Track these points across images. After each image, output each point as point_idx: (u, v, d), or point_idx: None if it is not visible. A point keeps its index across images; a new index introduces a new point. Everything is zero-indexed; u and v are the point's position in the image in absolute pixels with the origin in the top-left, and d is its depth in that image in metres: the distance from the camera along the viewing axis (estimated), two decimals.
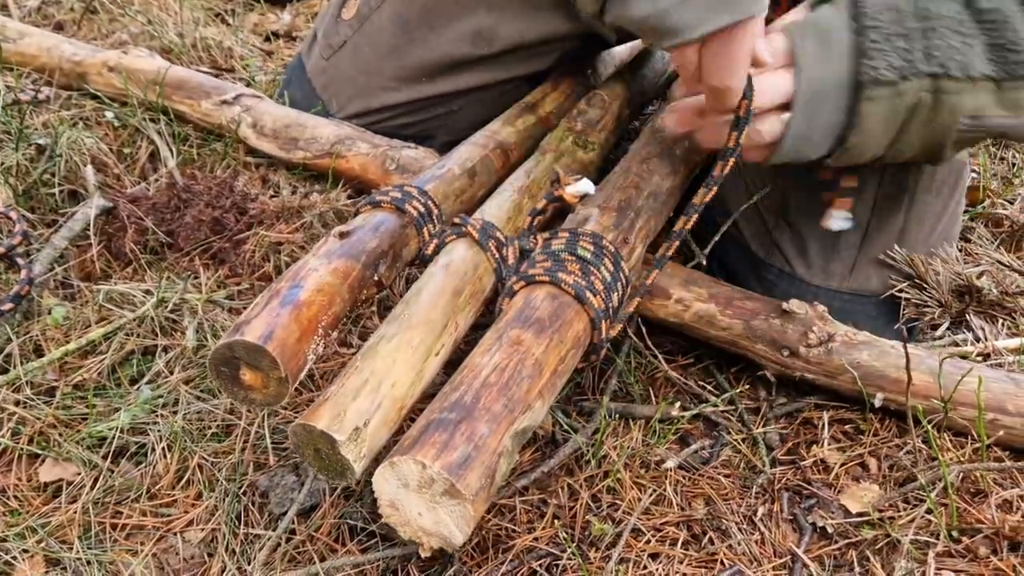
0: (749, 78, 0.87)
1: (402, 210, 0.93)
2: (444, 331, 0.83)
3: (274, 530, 0.84)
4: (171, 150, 1.36)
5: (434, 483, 0.66)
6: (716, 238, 1.10)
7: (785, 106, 0.90)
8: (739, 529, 0.86)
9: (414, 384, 0.78)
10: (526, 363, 0.77)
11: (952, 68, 0.86)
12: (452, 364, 0.81)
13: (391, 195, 0.94)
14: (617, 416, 0.98)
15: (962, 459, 0.93)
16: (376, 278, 0.85)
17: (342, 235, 0.86)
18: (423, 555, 0.71)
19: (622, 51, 1.48)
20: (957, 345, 1.10)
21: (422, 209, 0.94)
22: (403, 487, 0.68)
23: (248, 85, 1.58)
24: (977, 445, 0.92)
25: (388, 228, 0.90)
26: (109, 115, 1.39)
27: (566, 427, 0.96)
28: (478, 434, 0.69)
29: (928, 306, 1.15)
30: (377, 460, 0.71)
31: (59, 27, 1.78)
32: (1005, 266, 1.24)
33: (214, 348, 0.72)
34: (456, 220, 0.94)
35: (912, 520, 0.86)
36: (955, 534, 0.84)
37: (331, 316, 0.78)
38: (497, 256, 0.91)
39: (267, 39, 1.87)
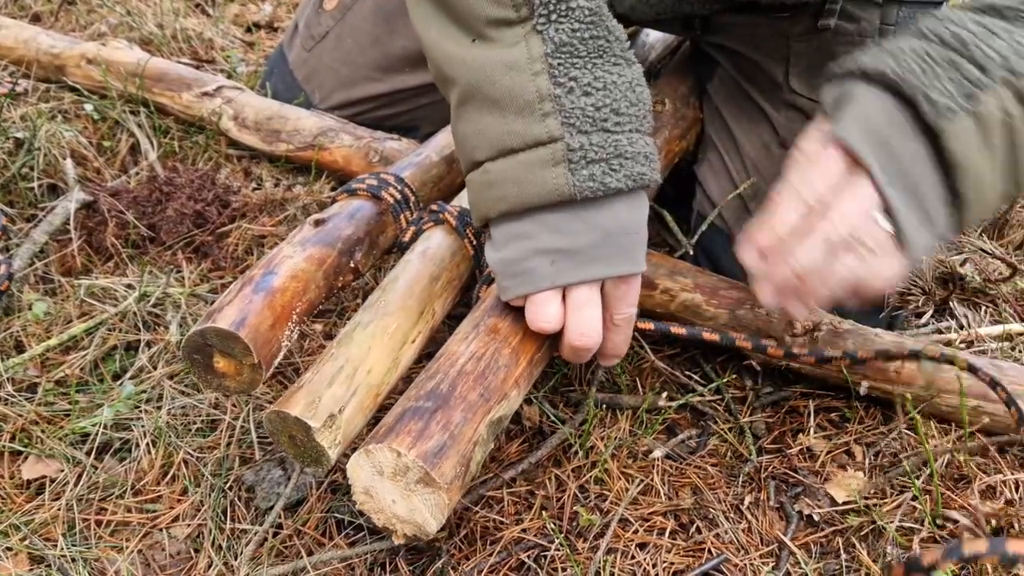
0: None
1: (378, 197, 0.92)
2: (421, 318, 0.83)
3: (261, 525, 0.84)
4: (152, 143, 1.35)
5: (409, 471, 0.66)
6: (702, 228, 1.10)
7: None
8: (726, 518, 0.86)
9: (390, 371, 0.78)
10: (503, 352, 0.77)
11: (1012, 66, 0.70)
12: (430, 352, 0.81)
13: (367, 183, 0.94)
14: (604, 406, 0.98)
15: (946, 446, 0.93)
16: (352, 265, 0.85)
17: (317, 223, 0.86)
18: (396, 542, 0.71)
19: None
20: (941, 333, 1.10)
21: (399, 196, 0.94)
22: (377, 475, 0.68)
23: (229, 77, 1.57)
24: (961, 432, 0.93)
25: (364, 215, 0.90)
26: (88, 108, 1.38)
27: (553, 418, 0.96)
28: (454, 423, 0.69)
29: (912, 294, 1.16)
30: (353, 447, 0.71)
31: (36, 19, 1.76)
32: (988, 253, 1.25)
33: (187, 336, 0.72)
34: (433, 207, 0.94)
35: (897, 507, 0.86)
36: (939, 520, 0.85)
37: (306, 303, 0.78)
38: (475, 243, 0.91)
39: (248, 30, 1.85)
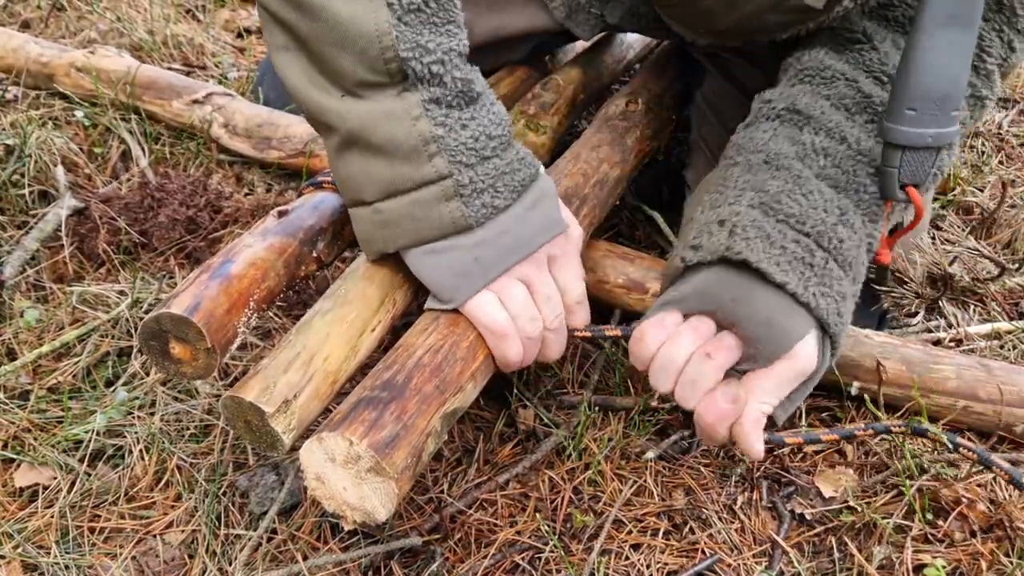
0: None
1: None
2: (381, 307, 0.83)
3: (255, 530, 0.84)
4: (143, 149, 1.35)
5: (360, 460, 0.67)
6: None
7: None
8: (719, 518, 0.87)
9: (348, 359, 0.78)
10: (461, 345, 0.78)
11: None
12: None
13: (333, 176, 0.95)
14: (597, 408, 0.98)
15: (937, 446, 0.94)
16: (315, 255, 0.86)
17: (281, 214, 0.87)
18: (346, 528, 0.72)
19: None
20: (930, 332, 1.11)
21: None
22: (329, 461, 0.68)
23: (220, 82, 1.57)
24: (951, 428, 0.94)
25: (328, 206, 0.91)
26: (79, 114, 1.38)
27: (547, 421, 0.96)
28: (408, 414, 0.70)
29: (905, 298, 1.17)
30: (311, 432, 0.72)
31: (26, 25, 1.75)
32: (977, 252, 1.25)
33: (142, 322, 0.72)
34: None
35: (888, 505, 0.87)
36: (931, 516, 0.85)
37: (264, 290, 0.78)
38: None
39: (239, 35, 1.85)
